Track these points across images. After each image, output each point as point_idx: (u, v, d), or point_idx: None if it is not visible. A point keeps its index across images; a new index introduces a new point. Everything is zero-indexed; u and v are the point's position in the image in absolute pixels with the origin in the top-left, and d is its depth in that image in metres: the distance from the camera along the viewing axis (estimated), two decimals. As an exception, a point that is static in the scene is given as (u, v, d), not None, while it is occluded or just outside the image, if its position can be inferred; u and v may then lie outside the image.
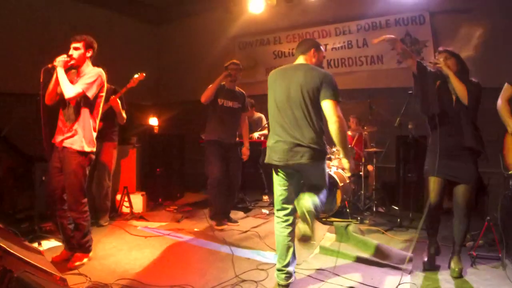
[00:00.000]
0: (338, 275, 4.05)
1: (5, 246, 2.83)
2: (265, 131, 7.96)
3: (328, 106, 3.58)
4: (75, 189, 4.17)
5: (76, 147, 4.15)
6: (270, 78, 3.95)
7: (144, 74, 5.64)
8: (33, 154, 5.18)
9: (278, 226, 3.78)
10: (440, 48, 4.31)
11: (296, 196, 3.66)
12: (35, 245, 4.70)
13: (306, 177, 3.83)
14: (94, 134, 4.34)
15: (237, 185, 6.19)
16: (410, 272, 4.13)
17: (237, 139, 6.24)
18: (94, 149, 4.35)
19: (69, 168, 4.14)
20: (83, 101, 4.19)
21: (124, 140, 7.07)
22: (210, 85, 5.84)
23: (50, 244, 4.93)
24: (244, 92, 6.32)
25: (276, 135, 3.73)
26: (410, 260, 4.38)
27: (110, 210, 6.26)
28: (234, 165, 6.07)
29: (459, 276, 3.98)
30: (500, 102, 3.67)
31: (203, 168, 6.24)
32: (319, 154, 3.64)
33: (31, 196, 6.10)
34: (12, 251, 2.89)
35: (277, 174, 3.80)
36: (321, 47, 4.01)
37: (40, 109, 4.06)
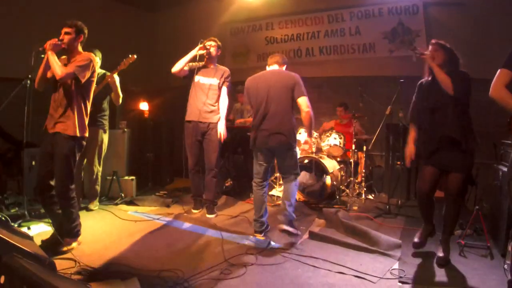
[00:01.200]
0: (327, 261, 4.08)
1: (-7, 231, 2.83)
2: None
3: (302, 101, 4.73)
4: (64, 175, 4.15)
5: (69, 132, 4.13)
6: (250, 84, 5.04)
7: (135, 56, 5.60)
8: (22, 140, 5.15)
9: (255, 189, 4.96)
10: (433, 41, 4.33)
11: (269, 173, 5.03)
12: (24, 229, 4.69)
13: (280, 159, 4.91)
14: (86, 120, 4.34)
15: (212, 167, 5.78)
16: (399, 259, 4.16)
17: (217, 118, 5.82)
18: (86, 135, 4.34)
19: (61, 154, 4.12)
20: (75, 86, 4.18)
21: (114, 125, 7.03)
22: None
23: (40, 229, 4.92)
24: (226, 69, 5.94)
25: (260, 126, 4.78)
26: (399, 246, 4.42)
27: (100, 194, 6.24)
28: (208, 147, 5.78)
29: (444, 263, 4.02)
30: (496, 87, 3.62)
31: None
32: (289, 140, 4.72)
33: (20, 181, 6.07)
34: (0, 235, 2.87)
35: (257, 155, 4.92)
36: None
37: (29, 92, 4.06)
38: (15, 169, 6.35)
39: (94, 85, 4.44)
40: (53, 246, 4.15)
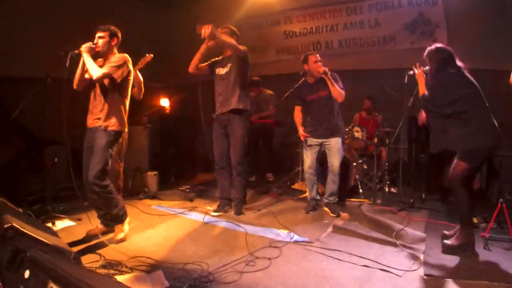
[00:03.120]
0: (352, 254, 4.05)
1: (18, 226, 2.85)
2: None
3: None
4: (97, 164, 4.30)
5: (108, 127, 4.36)
6: None
7: (151, 55, 5.62)
8: (44, 137, 5.23)
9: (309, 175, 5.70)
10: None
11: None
12: (49, 225, 4.76)
13: None
14: (125, 116, 4.57)
15: (235, 164, 5.50)
16: (424, 252, 4.10)
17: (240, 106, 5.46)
18: (126, 130, 4.60)
19: (98, 145, 4.31)
20: (111, 85, 4.40)
21: (136, 121, 7.06)
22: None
23: (64, 224, 4.99)
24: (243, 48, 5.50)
25: None
26: (423, 240, 4.38)
27: (123, 190, 6.27)
28: (231, 141, 5.50)
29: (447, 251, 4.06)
30: None
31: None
32: None
33: (43, 178, 6.14)
34: (25, 231, 2.90)
35: None
36: (309, 57, 5.59)
37: (62, 93, 4.31)
38: (38, 166, 6.43)
39: (131, 84, 4.65)
40: (101, 235, 4.49)
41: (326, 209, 5.66)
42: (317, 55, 5.55)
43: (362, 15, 8.51)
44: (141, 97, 5.90)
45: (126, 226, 4.55)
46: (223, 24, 5.63)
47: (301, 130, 5.71)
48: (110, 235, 4.55)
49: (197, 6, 10.36)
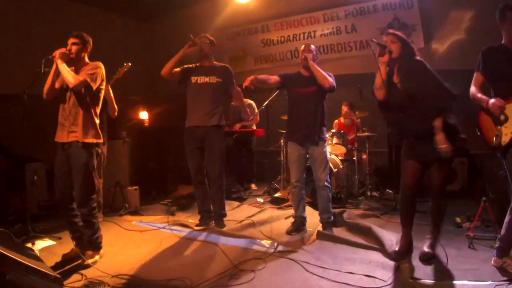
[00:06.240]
0: (336, 261, 4.03)
1: (-3, 249, 2.79)
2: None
3: None
4: (84, 184, 4.17)
5: (83, 140, 4.16)
6: None
7: (129, 64, 5.55)
8: (22, 155, 5.14)
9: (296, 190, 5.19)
10: (390, 30, 4.17)
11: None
12: (29, 245, 4.67)
13: None
14: (98, 126, 4.36)
15: (215, 178, 5.36)
16: (408, 255, 4.10)
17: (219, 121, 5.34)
18: (101, 141, 4.38)
19: (79, 163, 4.14)
20: (85, 94, 4.22)
21: (114, 135, 6.99)
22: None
23: (44, 244, 4.90)
24: (229, 67, 5.55)
25: None
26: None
27: (103, 206, 6.20)
28: (209, 155, 5.35)
29: (428, 259, 3.90)
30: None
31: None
32: None
33: (23, 197, 6.04)
34: (4, 252, 2.84)
35: None
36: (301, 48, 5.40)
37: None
38: (17, 185, 6.32)
39: (103, 93, 4.48)
40: (74, 260, 4.19)
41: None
42: (307, 47, 5.34)
43: (338, 21, 8.62)
44: (115, 114, 5.82)
45: (97, 257, 4.31)
46: (201, 33, 5.56)
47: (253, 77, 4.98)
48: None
49: (177, 18, 10.41)
